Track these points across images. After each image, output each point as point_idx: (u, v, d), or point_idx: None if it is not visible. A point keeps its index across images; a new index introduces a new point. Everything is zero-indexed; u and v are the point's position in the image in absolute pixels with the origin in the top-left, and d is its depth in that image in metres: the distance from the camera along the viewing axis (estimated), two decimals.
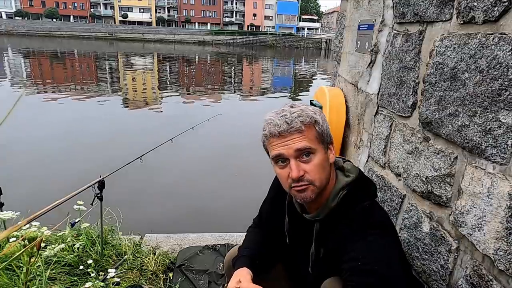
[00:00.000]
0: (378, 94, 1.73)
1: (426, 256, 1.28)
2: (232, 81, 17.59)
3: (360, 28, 2.04)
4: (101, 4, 70.65)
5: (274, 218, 1.25)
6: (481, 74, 0.99)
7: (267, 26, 76.26)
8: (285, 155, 0.99)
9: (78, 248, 1.99)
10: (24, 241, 0.96)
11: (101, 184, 1.84)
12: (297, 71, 24.27)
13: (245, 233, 1.37)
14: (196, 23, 74.93)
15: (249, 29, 73.27)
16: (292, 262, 1.27)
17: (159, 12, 73.39)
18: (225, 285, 1.94)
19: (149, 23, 71.72)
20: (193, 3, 73.23)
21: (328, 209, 1.05)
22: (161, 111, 9.69)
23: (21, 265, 1.05)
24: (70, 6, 68.55)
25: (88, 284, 1.64)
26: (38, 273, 1.61)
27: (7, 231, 0.54)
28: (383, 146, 1.65)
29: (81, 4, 69.14)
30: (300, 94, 14.45)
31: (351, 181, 1.07)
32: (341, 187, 1.06)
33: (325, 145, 1.03)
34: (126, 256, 2.07)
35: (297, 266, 1.23)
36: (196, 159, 5.78)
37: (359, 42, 2.06)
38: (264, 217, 1.34)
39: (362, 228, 0.98)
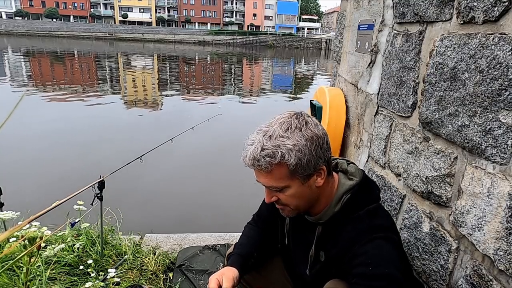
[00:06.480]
0: (378, 94, 1.73)
1: (426, 256, 1.28)
2: (232, 81, 17.59)
3: (360, 28, 2.04)
4: (101, 4, 70.69)
5: (274, 216, 1.24)
6: (481, 74, 0.99)
7: (267, 26, 76.29)
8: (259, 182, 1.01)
9: (78, 248, 1.99)
10: (24, 241, 0.96)
11: (101, 184, 1.84)
12: (297, 71, 24.26)
13: (243, 229, 1.37)
14: (196, 23, 74.99)
15: (249, 29, 73.32)
16: (290, 262, 1.26)
17: (159, 12, 73.44)
18: None
19: (149, 23, 71.79)
20: (193, 3, 73.30)
21: (331, 213, 1.04)
22: (161, 111, 9.70)
23: (21, 265, 1.05)
24: (70, 6, 68.61)
25: (88, 284, 1.64)
26: (38, 273, 1.61)
27: (9, 231, 0.54)
28: (383, 146, 1.65)
29: (81, 4, 69.19)
30: (300, 94, 14.45)
31: (354, 184, 1.05)
32: (344, 191, 1.04)
33: (303, 177, 0.96)
34: (126, 256, 2.07)
35: (294, 266, 1.23)
36: (197, 159, 5.79)
37: (359, 42, 2.06)
38: (264, 214, 1.33)
39: (369, 232, 0.97)
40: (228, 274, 1.11)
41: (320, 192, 1.03)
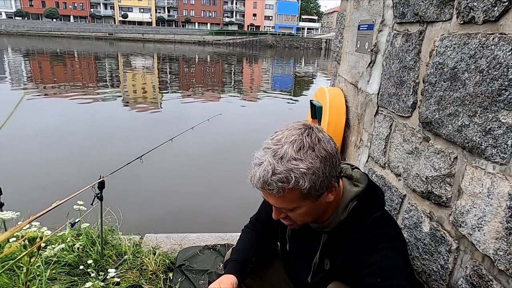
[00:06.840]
0: (378, 94, 1.73)
1: (426, 256, 1.28)
2: (232, 81, 17.59)
3: (360, 28, 2.04)
4: (101, 4, 70.72)
5: (275, 220, 1.19)
6: (481, 74, 0.99)
7: (267, 26, 76.35)
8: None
9: (78, 248, 1.99)
10: (24, 241, 0.96)
11: (101, 184, 1.84)
12: (297, 71, 24.27)
13: (240, 233, 1.36)
14: (196, 23, 75.03)
15: (249, 29, 73.38)
16: (290, 267, 1.24)
17: (159, 12, 73.47)
18: None
19: (149, 23, 71.84)
20: (193, 3, 73.35)
21: (338, 221, 1.02)
22: (161, 111, 9.70)
23: (21, 265, 1.05)
24: (70, 6, 68.67)
25: (88, 284, 1.64)
26: (38, 273, 1.61)
27: (9, 231, 0.54)
28: (383, 146, 1.65)
29: (81, 4, 69.23)
30: (300, 94, 14.45)
31: (360, 191, 1.02)
32: (350, 198, 1.02)
33: (315, 197, 0.92)
34: (126, 256, 2.07)
35: (295, 272, 1.21)
36: (196, 159, 5.79)
37: (359, 42, 2.06)
38: (264, 218, 1.30)
39: (377, 241, 0.95)
40: (226, 282, 1.11)
41: (326, 206, 1.01)
